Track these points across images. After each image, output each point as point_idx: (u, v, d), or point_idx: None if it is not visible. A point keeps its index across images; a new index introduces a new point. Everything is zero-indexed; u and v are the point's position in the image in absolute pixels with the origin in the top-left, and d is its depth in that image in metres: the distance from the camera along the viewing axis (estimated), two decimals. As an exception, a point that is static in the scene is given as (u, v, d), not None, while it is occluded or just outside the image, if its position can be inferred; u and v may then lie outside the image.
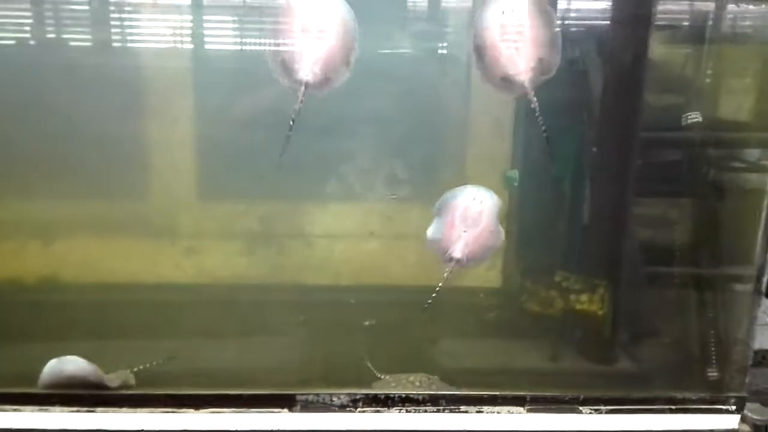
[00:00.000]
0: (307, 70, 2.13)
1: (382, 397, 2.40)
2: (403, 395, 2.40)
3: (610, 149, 2.90)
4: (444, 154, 3.17)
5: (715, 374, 2.58)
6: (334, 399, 2.38)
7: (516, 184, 3.04)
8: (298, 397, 2.37)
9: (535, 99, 2.19)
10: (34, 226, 2.99)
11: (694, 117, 2.60)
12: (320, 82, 2.18)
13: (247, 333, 2.95)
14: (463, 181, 3.03)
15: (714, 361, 2.59)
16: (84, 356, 2.49)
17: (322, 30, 2.12)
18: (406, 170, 3.09)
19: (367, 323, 2.87)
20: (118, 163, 2.99)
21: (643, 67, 2.71)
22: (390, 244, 3.10)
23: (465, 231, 2.35)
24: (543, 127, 2.25)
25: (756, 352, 2.60)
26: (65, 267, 3.02)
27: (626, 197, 2.93)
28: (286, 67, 2.15)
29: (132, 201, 3.07)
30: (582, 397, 2.44)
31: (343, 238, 3.12)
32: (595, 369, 2.92)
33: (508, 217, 3.09)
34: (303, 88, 2.14)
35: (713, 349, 2.60)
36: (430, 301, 2.49)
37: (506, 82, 2.19)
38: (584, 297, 2.96)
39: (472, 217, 2.35)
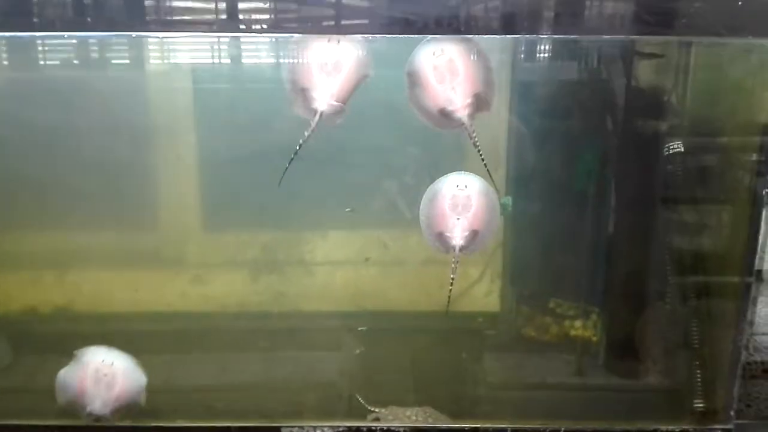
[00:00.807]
0: (323, 101, 2.22)
1: (365, 429, 2.46)
2: (385, 428, 2.46)
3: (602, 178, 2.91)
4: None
5: (701, 405, 2.56)
6: (319, 431, 2.46)
7: (509, 210, 3.07)
8: (283, 430, 2.46)
9: (474, 135, 2.23)
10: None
11: (676, 147, 2.59)
12: (334, 113, 2.26)
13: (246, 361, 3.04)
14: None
15: (700, 392, 2.57)
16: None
17: (338, 63, 2.21)
18: (402, 197, 3.13)
19: (357, 352, 2.92)
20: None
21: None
22: (387, 270, 3.17)
23: (458, 218, 2.32)
24: (484, 162, 2.27)
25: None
26: (77, 297, 3.16)
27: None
28: (304, 96, 2.25)
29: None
30: (563, 429, 2.46)
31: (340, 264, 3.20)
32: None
33: (503, 243, 3.16)
34: (317, 117, 2.23)
35: (699, 378, 2.59)
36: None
37: (444, 117, 2.24)
38: (578, 323, 2.98)
39: (461, 203, 2.31)
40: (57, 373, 2.48)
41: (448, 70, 2.17)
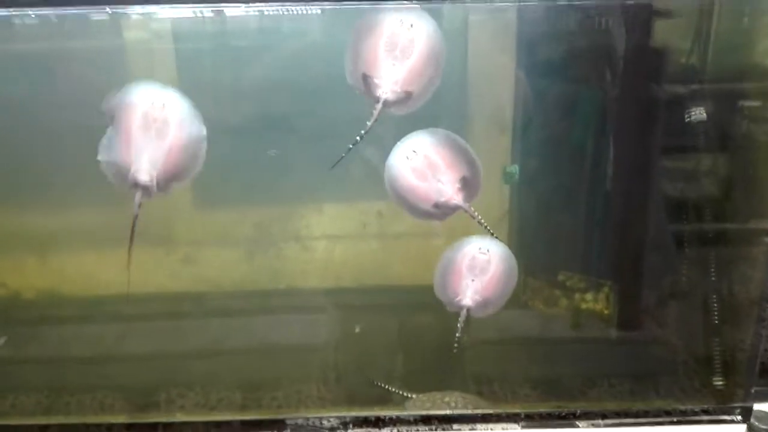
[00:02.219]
0: (387, 88, 2.07)
1: (373, 419, 2.37)
2: (394, 416, 2.37)
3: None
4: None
5: (720, 383, 2.48)
6: (324, 422, 2.36)
7: (516, 178, 2.94)
8: (288, 421, 2.36)
9: (476, 213, 2.23)
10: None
11: (698, 114, 2.44)
12: (400, 100, 2.11)
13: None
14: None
15: (719, 370, 2.48)
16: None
17: (406, 48, 2.04)
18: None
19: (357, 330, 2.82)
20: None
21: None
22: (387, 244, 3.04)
23: (473, 279, 2.30)
24: (489, 230, 2.29)
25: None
26: (60, 280, 3.02)
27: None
28: (367, 83, 2.09)
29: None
30: (579, 411, 2.38)
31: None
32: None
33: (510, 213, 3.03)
34: (380, 105, 2.08)
35: (718, 357, 2.50)
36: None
37: (440, 209, 2.23)
38: (589, 296, 2.87)
39: (480, 266, 2.29)
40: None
41: (427, 167, 2.14)
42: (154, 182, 2.12)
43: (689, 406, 2.40)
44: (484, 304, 2.32)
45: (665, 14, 2.58)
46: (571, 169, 2.88)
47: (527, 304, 3.00)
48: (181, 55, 2.81)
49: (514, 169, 2.94)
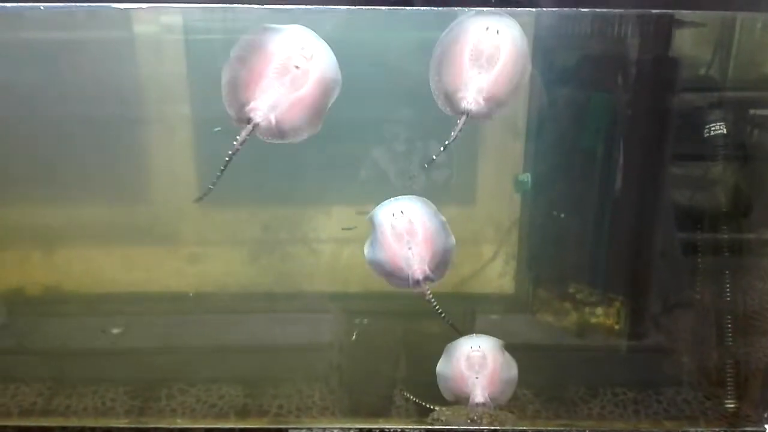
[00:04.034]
0: (472, 99, 1.97)
1: (377, 431, 2.32)
2: (399, 429, 2.33)
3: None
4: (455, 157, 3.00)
5: (732, 405, 2.42)
6: (327, 433, 2.33)
7: (528, 187, 2.89)
8: (291, 431, 2.32)
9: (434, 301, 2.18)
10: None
11: (718, 128, 2.38)
12: (485, 109, 2.01)
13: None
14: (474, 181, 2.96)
15: (731, 392, 2.43)
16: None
17: (492, 56, 1.95)
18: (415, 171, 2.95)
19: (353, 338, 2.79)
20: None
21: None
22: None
23: (477, 377, 2.29)
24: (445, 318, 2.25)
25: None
26: (66, 277, 2.99)
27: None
28: (449, 97, 2.01)
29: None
30: (587, 431, 2.33)
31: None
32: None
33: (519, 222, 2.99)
34: (465, 117, 1.99)
35: (731, 379, 2.44)
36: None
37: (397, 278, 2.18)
38: (599, 310, 2.82)
39: (478, 362, 2.29)
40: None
41: (406, 232, 2.12)
42: (271, 123, 1.96)
43: (699, 429, 2.35)
44: (495, 395, 2.31)
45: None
46: (585, 180, 2.82)
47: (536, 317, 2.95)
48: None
49: (526, 177, 2.89)
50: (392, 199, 2.16)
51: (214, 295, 3.01)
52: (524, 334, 2.94)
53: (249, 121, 1.94)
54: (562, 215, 2.88)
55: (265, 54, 1.91)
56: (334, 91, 1.96)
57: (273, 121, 1.95)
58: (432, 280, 2.16)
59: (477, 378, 2.28)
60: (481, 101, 1.96)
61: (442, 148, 2.05)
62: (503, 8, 2.15)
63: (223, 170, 2.00)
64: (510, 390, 2.34)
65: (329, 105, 1.97)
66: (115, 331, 2.91)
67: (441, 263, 2.17)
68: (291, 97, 1.94)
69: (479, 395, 2.28)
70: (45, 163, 2.85)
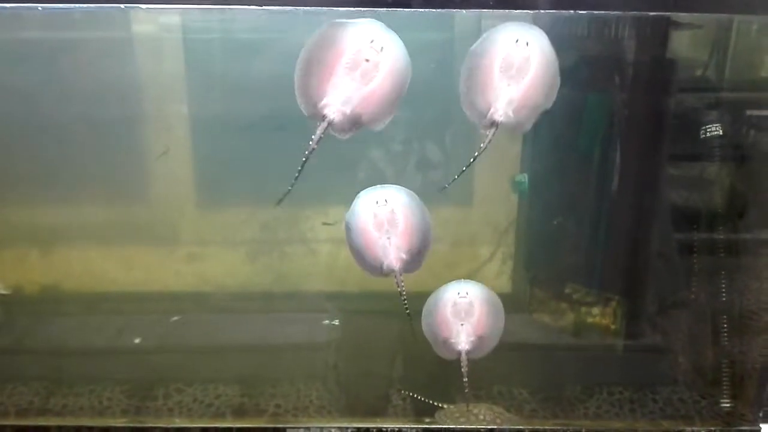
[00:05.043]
0: (502, 111, 1.97)
1: (375, 430, 2.33)
2: (396, 429, 2.33)
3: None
4: (452, 157, 3.01)
5: (728, 404, 2.44)
6: (324, 432, 2.33)
7: (525, 188, 2.90)
8: (289, 430, 2.32)
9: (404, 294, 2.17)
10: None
11: (714, 130, 2.39)
12: (514, 124, 2.00)
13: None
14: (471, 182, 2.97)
15: (726, 391, 2.45)
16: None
17: (522, 67, 1.95)
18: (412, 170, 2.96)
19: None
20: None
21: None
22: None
23: (462, 324, 2.25)
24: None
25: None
26: (64, 277, 2.99)
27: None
28: (476, 108, 2.01)
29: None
30: (583, 430, 2.34)
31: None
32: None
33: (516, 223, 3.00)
34: (495, 129, 1.98)
35: (726, 378, 2.46)
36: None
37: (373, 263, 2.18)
38: (596, 310, 2.83)
39: (464, 309, 2.25)
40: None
41: (387, 221, 2.11)
42: (345, 118, 1.97)
43: (695, 428, 2.36)
44: (479, 344, 2.27)
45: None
46: (582, 181, 2.84)
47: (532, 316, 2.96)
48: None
49: (524, 178, 2.90)
50: (378, 186, 2.15)
51: (212, 294, 3.02)
52: (521, 333, 2.93)
53: (323, 118, 1.96)
54: (558, 221, 2.90)
55: (335, 49, 1.92)
56: (406, 81, 1.96)
57: (347, 116, 1.97)
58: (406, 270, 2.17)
59: (462, 325, 2.25)
60: (511, 113, 1.97)
61: (471, 160, 2.05)
62: (501, 9, 2.18)
63: (300, 170, 2.03)
64: (495, 339, 2.30)
65: (402, 95, 1.98)
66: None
67: (416, 257, 2.17)
68: (363, 90, 1.95)
69: (463, 342, 2.25)
70: (42, 162, 2.86)
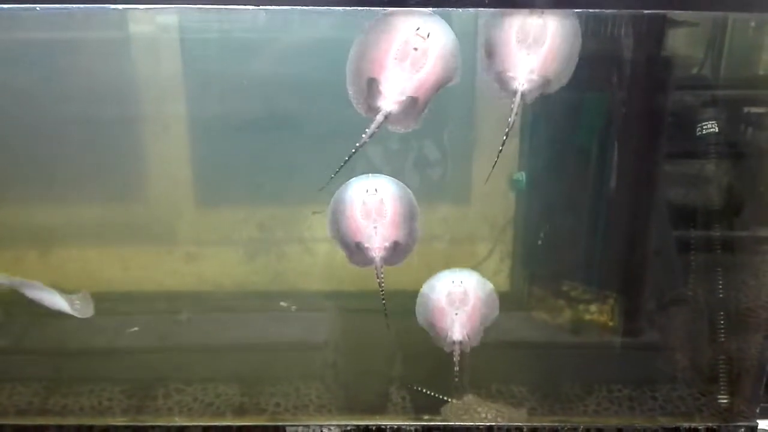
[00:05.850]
0: (523, 79, 2.00)
1: (374, 428, 2.34)
2: (395, 426, 2.34)
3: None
4: (450, 156, 3.01)
5: (726, 400, 2.45)
6: (324, 431, 2.33)
7: (522, 186, 2.90)
8: (288, 429, 2.33)
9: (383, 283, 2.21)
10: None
11: (710, 127, 2.40)
12: (536, 88, 2.04)
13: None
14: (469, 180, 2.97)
15: (724, 387, 2.46)
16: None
17: (539, 35, 1.97)
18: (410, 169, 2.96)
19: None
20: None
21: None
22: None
23: (456, 313, 2.27)
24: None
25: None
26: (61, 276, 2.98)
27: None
28: (501, 78, 2.03)
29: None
30: (581, 427, 2.35)
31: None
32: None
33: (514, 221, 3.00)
34: (518, 98, 2.01)
35: (723, 374, 2.47)
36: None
37: (359, 252, 2.23)
38: (593, 307, 2.84)
39: (458, 299, 2.27)
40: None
41: (375, 211, 2.14)
42: (401, 109, 2.00)
43: (693, 424, 2.37)
44: (473, 334, 2.30)
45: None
46: (579, 179, 2.84)
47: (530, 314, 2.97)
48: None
49: (521, 176, 2.90)
50: (369, 174, 2.16)
51: (210, 294, 3.03)
52: (519, 331, 2.95)
53: (379, 111, 1.98)
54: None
55: (383, 44, 1.95)
56: (456, 64, 1.98)
57: (402, 107, 1.99)
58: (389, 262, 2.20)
59: (456, 314, 2.26)
60: (534, 78, 1.99)
61: (504, 136, 2.07)
62: (498, 8, 2.19)
63: (347, 160, 2.07)
64: (489, 322, 2.34)
65: (454, 78, 2.00)
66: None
67: (401, 249, 2.19)
68: (415, 79, 1.98)
69: (457, 332, 2.25)
70: (41, 162, 2.86)
